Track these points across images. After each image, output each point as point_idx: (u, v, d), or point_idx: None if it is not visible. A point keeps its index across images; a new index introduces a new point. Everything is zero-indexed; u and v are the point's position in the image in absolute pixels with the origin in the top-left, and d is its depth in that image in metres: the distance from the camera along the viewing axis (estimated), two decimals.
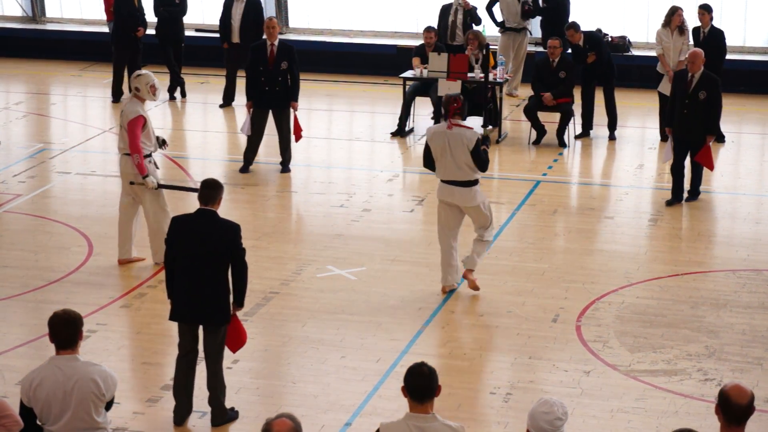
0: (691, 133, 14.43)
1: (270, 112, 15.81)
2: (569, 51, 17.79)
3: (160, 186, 12.31)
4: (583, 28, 17.69)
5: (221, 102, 19.43)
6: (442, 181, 11.52)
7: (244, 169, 15.84)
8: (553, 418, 6.16)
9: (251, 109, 15.74)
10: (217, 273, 8.91)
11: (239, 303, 9.12)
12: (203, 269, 8.88)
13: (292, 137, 15.94)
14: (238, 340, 9.25)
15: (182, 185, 13.12)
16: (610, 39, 20.43)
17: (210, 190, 8.99)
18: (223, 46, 19.21)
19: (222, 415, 9.18)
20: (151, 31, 20.60)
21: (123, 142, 12.19)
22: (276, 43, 15.67)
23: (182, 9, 19.89)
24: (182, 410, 9.16)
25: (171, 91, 20.02)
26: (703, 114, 14.36)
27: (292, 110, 15.78)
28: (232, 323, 9.14)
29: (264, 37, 15.85)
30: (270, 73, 15.60)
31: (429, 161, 11.58)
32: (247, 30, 18.85)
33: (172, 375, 9.27)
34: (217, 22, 23.09)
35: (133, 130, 11.98)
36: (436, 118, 18.29)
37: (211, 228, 8.91)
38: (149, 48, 20.25)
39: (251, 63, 15.75)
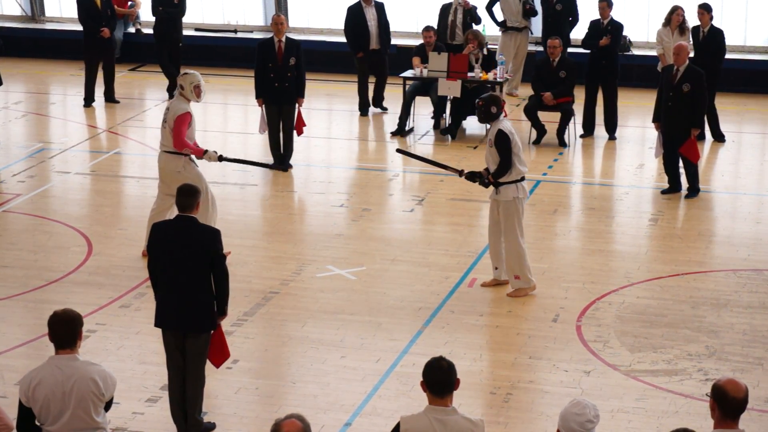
0: (676, 126, 14.62)
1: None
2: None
3: (223, 158, 12.37)
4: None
5: (359, 111, 19.07)
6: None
7: (275, 166, 15.91)
8: (585, 420, 6.17)
9: (263, 107, 15.82)
10: (198, 279, 8.78)
11: (221, 311, 8.94)
12: (185, 276, 8.77)
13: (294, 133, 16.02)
14: (221, 354, 9.08)
15: (246, 159, 13.23)
16: (629, 41, 20.49)
17: (186, 198, 8.88)
18: (357, 55, 18.71)
19: (197, 426, 9.06)
20: (149, 31, 20.57)
21: (165, 140, 12.19)
22: (283, 39, 15.75)
23: (181, 9, 19.81)
24: (182, 428, 9.11)
25: (170, 90, 20.00)
26: (688, 107, 14.55)
27: (297, 105, 15.87)
28: (217, 335, 8.98)
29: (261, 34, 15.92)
30: (279, 69, 15.69)
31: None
32: (382, 34, 18.62)
33: None
34: (218, 22, 23.19)
35: (180, 126, 12.04)
36: (436, 117, 18.31)
37: (190, 234, 8.80)
38: (148, 48, 20.23)
39: (259, 60, 15.84)
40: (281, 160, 16.02)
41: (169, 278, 8.86)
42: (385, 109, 18.69)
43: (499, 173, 11.48)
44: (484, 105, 11.49)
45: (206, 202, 12.16)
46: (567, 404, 6.27)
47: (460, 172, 12.01)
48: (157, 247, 8.92)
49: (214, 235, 8.88)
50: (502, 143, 11.39)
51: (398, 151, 13.92)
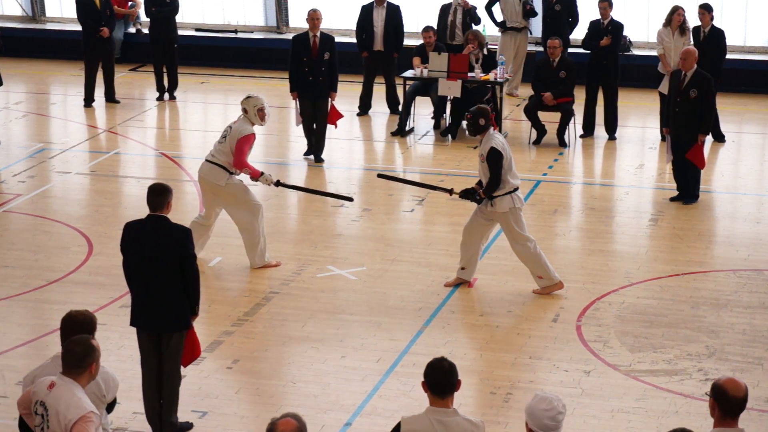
0: (683, 131, 14.48)
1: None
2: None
3: (280, 184, 12.42)
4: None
5: (358, 111, 19.13)
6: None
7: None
8: (556, 413, 6.18)
9: (297, 100, 16.13)
10: (169, 278, 8.73)
11: (192, 311, 8.89)
12: (156, 275, 8.73)
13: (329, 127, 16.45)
14: (191, 354, 9.03)
15: (300, 186, 13.06)
16: (629, 41, 20.47)
17: (157, 196, 8.81)
18: (362, 55, 18.88)
19: (172, 427, 8.98)
20: (145, 31, 20.52)
21: (220, 154, 12.15)
22: (318, 34, 15.96)
23: (174, 8, 19.74)
24: (158, 429, 9.07)
25: (170, 90, 19.99)
26: (695, 112, 14.39)
27: (330, 99, 16.18)
28: (189, 335, 8.94)
29: (308, 29, 16.20)
30: (314, 63, 15.94)
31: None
32: (389, 36, 18.67)
33: None
34: (218, 22, 23.21)
35: (242, 147, 12.05)
36: (437, 118, 18.31)
37: (161, 233, 8.75)
38: (148, 48, 20.21)
39: (294, 54, 16.12)
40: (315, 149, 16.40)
41: (141, 278, 8.84)
42: (397, 112, 18.70)
43: (489, 189, 11.51)
44: (473, 118, 11.52)
45: (255, 213, 12.28)
46: (532, 401, 6.24)
47: (450, 191, 12.04)
48: (129, 246, 8.88)
49: (185, 234, 8.80)
50: (494, 160, 11.41)
51: (380, 176, 13.47)
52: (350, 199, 13.23)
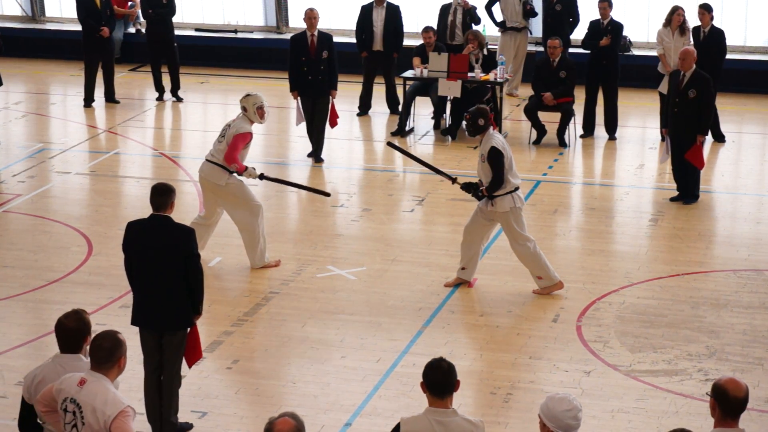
0: (682, 132, 14.45)
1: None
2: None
3: (263, 177, 12.34)
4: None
5: (357, 111, 19.15)
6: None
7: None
8: (577, 412, 6.24)
9: (298, 99, 16.19)
10: (172, 278, 8.72)
11: (196, 310, 8.88)
12: (158, 275, 8.73)
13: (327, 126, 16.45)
14: (194, 354, 9.01)
15: (284, 179, 12.95)
16: (629, 41, 20.46)
17: (160, 196, 8.83)
18: (362, 55, 18.88)
19: (172, 427, 8.98)
20: (144, 31, 20.51)
21: (220, 153, 12.13)
22: (316, 33, 16.02)
23: (171, 9, 19.71)
24: (158, 429, 9.07)
25: (173, 91, 19.97)
26: (694, 112, 14.37)
27: (330, 98, 16.21)
28: (191, 335, 8.94)
29: (305, 28, 16.23)
30: (312, 62, 16.01)
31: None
32: (389, 36, 18.67)
33: None
34: (218, 22, 23.21)
35: (236, 143, 12.02)
36: (437, 118, 18.31)
37: (164, 233, 8.76)
38: (146, 47, 20.21)
39: (293, 53, 16.18)
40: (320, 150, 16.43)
41: (143, 277, 8.84)
42: (397, 112, 18.68)
43: (492, 188, 11.50)
44: (472, 118, 11.51)
45: (255, 213, 12.25)
46: (549, 403, 6.22)
47: (454, 180, 12.02)
48: (132, 246, 8.89)
49: (188, 234, 8.80)
50: (495, 160, 11.39)
51: (389, 144, 13.59)
52: (327, 195, 13.08)
